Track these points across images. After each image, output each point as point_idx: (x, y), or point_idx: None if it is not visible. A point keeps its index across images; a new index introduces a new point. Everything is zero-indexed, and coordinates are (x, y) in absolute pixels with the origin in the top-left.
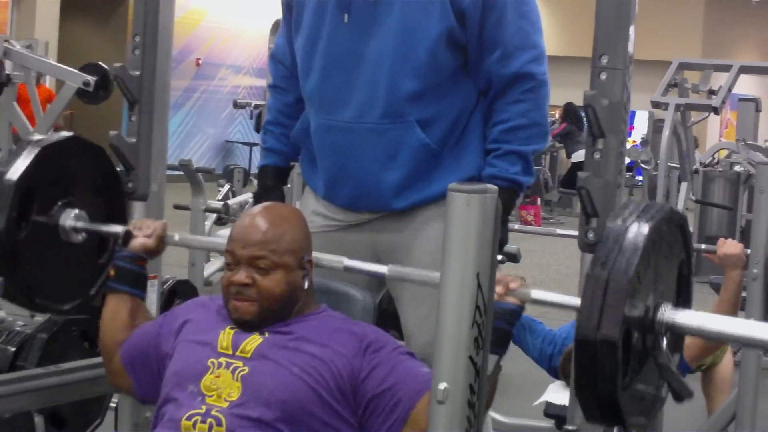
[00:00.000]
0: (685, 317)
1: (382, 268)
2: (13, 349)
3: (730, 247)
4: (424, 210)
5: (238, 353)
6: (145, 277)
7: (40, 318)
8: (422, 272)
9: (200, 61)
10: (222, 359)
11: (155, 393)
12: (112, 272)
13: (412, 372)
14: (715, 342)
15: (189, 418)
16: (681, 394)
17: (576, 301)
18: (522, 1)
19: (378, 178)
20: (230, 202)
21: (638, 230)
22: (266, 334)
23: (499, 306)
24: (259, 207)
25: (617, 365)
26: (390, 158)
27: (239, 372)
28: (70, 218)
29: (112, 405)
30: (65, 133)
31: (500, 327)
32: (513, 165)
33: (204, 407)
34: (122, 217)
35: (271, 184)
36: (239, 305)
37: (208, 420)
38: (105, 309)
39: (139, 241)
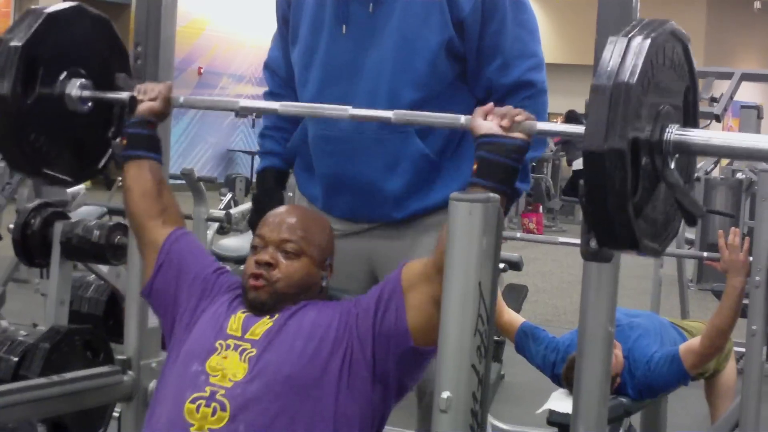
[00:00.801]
0: (692, 135)
1: (388, 114)
2: (15, 359)
3: (733, 253)
4: (422, 219)
5: (247, 336)
6: (158, 140)
7: (42, 328)
8: (421, 116)
9: (202, 70)
10: (230, 341)
11: (155, 299)
12: (124, 141)
13: (389, 276)
14: (720, 311)
15: (193, 401)
16: (693, 214)
17: (581, 128)
18: (520, 11)
19: (377, 188)
20: (232, 211)
21: (641, 41)
22: (276, 316)
23: (505, 141)
24: (291, 205)
25: (627, 177)
26: (389, 168)
27: (247, 354)
28: (76, 87)
29: (115, 414)
30: (70, 3)
31: (507, 163)
32: None
33: (208, 389)
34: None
35: (272, 186)
36: (257, 284)
37: (213, 404)
38: (126, 178)
39: (145, 105)
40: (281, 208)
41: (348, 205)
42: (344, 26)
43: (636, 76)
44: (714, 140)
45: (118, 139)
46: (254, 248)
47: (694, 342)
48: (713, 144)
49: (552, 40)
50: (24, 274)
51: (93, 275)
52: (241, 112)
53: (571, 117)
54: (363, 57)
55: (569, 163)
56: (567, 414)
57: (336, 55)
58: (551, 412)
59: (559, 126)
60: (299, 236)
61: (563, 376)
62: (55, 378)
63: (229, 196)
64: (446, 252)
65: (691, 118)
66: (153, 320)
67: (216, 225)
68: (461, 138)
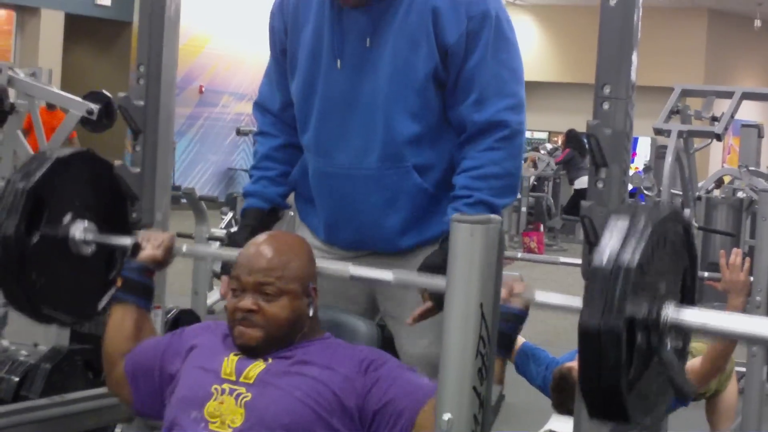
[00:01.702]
0: (689, 315)
1: (387, 275)
2: (17, 379)
3: (734, 273)
4: (423, 249)
5: (241, 379)
6: (152, 289)
7: (43, 348)
8: (428, 278)
9: (203, 89)
10: (225, 385)
11: (152, 408)
12: (119, 283)
13: (413, 382)
14: (721, 340)
15: None
16: (685, 393)
17: (579, 302)
18: (502, 49)
19: (378, 224)
20: (233, 230)
21: (643, 225)
22: (270, 360)
23: (503, 309)
24: (264, 235)
25: (621, 356)
26: (388, 203)
27: (242, 398)
28: (80, 230)
29: None
30: (77, 149)
31: (503, 331)
32: None
33: None
34: (131, 231)
35: (250, 224)
36: (244, 331)
37: None
38: (111, 319)
39: (147, 253)
40: (253, 245)
41: (350, 238)
42: (339, 60)
43: (636, 260)
44: (710, 323)
45: (113, 276)
46: (233, 290)
47: (695, 363)
48: (709, 326)
49: (552, 59)
50: None
51: None
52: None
53: (571, 136)
54: (358, 91)
55: (570, 182)
56: None
57: (332, 89)
58: None
59: (556, 297)
60: (276, 276)
61: (551, 394)
62: (56, 398)
63: (230, 215)
64: (448, 273)
65: (688, 296)
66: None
67: (217, 244)
68: None
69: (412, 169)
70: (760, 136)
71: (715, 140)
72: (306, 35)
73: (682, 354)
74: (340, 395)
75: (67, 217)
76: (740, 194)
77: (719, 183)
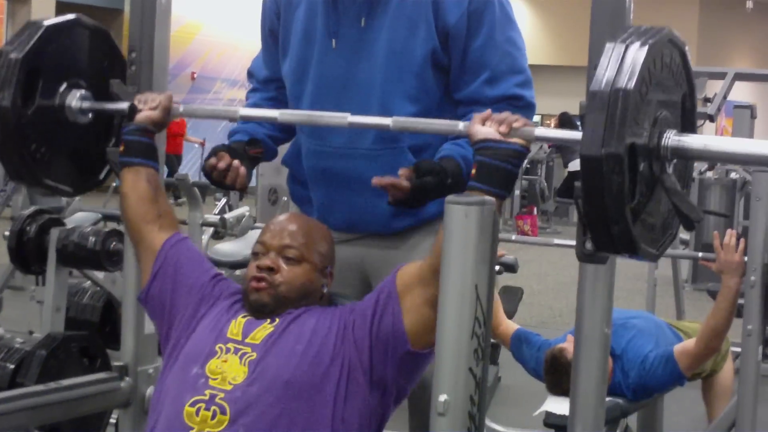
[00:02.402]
0: (690, 140)
1: (386, 121)
2: (12, 366)
3: (729, 254)
4: (417, 230)
5: (247, 340)
6: (155, 148)
7: (38, 335)
8: (433, 121)
9: (195, 75)
10: (230, 344)
11: (148, 304)
12: (122, 148)
13: (385, 280)
14: (714, 313)
15: (192, 405)
16: (690, 218)
17: (578, 134)
18: (508, 27)
19: (372, 204)
20: (227, 216)
21: (638, 48)
22: (276, 321)
23: (503, 146)
24: (292, 213)
25: (624, 182)
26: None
27: (247, 357)
28: (76, 98)
29: (112, 421)
30: (69, 15)
31: (506, 167)
32: None
33: (207, 392)
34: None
35: (233, 146)
36: (259, 286)
37: (212, 407)
38: (123, 185)
39: (144, 114)
40: (283, 216)
41: (343, 219)
42: (334, 40)
43: (633, 81)
44: (711, 145)
45: (112, 146)
46: (255, 254)
47: (690, 343)
48: (710, 149)
49: (545, 41)
50: (19, 282)
51: (89, 282)
52: (242, 120)
53: (564, 119)
54: (353, 71)
55: (565, 165)
56: (564, 416)
57: (327, 69)
58: (548, 414)
59: (556, 132)
60: (300, 242)
61: (544, 377)
62: (52, 385)
63: (223, 200)
64: (442, 255)
65: (688, 124)
66: (150, 326)
67: (211, 230)
68: None
69: (407, 149)
70: (753, 116)
71: (708, 121)
72: (299, 16)
73: (685, 182)
74: (335, 338)
75: (63, 86)
76: (733, 175)
77: (712, 164)
